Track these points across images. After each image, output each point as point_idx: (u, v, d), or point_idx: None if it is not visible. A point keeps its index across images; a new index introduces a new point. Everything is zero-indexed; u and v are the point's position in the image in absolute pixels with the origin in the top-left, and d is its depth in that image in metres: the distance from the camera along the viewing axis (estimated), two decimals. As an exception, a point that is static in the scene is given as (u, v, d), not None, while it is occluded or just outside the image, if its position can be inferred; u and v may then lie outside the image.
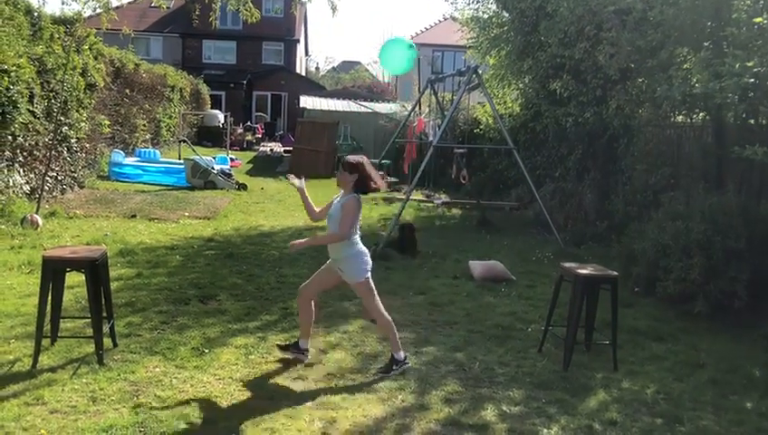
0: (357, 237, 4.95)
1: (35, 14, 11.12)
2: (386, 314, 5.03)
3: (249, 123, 33.21)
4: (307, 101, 24.98)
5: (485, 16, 14.32)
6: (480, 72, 11.22)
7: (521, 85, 13.95)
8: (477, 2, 14.41)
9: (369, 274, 5.02)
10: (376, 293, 5.04)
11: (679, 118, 9.36)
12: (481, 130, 16.32)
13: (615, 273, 5.45)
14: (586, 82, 10.52)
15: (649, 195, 9.12)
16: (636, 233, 8.10)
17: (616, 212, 9.80)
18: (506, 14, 13.52)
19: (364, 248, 5.01)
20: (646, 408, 4.59)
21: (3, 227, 8.52)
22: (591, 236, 10.07)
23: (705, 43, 7.79)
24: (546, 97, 12.00)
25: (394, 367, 4.92)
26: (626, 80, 9.89)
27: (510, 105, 15.02)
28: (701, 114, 8.93)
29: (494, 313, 6.63)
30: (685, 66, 8.60)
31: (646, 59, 8.70)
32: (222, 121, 25.93)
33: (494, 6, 14.13)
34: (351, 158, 4.96)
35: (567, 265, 5.56)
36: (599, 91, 10.23)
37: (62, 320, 5.07)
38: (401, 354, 4.97)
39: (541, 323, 5.95)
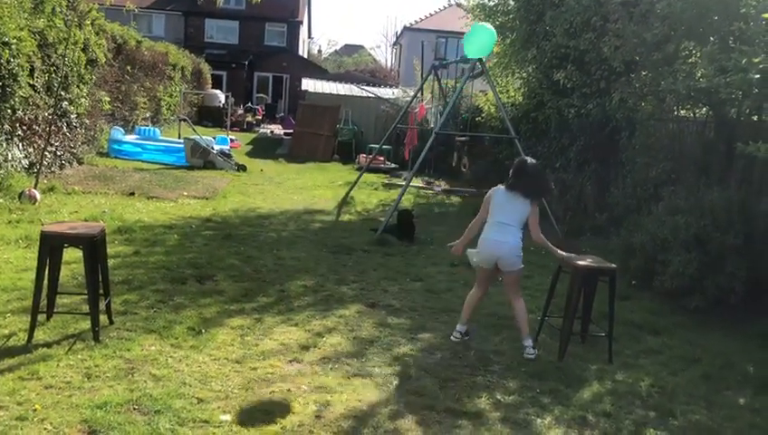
0: (488, 225, 5.38)
1: (37, -14, 11.01)
2: (473, 292, 5.54)
3: (250, 104, 33.07)
4: (309, 84, 24.86)
5: (491, 4, 14.23)
6: (484, 59, 11.16)
7: (524, 74, 13.88)
8: (483, -12, 14.32)
9: (481, 261, 5.42)
10: (481, 283, 5.55)
11: (682, 112, 9.32)
12: (483, 118, 16.27)
13: (614, 265, 5.44)
14: (590, 73, 10.46)
15: (650, 188, 9.09)
16: (635, 226, 8.09)
17: (616, 205, 9.77)
18: (512, 3, 13.44)
19: (487, 235, 5.36)
20: (639, 401, 4.60)
21: (1, 201, 8.49)
22: (590, 228, 10.06)
23: (712, 38, 7.74)
24: (549, 87, 11.94)
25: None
26: (630, 72, 9.83)
27: (513, 94, 14.96)
28: (704, 109, 8.89)
29: (491, 301, 6.61)
30: (690, 60, 8.56)
31: (651, 52, 8.64)
32: (223, 102, 25.83)
33: (500, -6, 14.04)
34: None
35: (566, 255, 5.56)
36: (602, 82, 10.17)
37: (58, 295, 5.06)
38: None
39: (537, 313, 5.95)
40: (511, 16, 13.42)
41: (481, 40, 8.34)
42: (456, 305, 6.38)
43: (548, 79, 11.84)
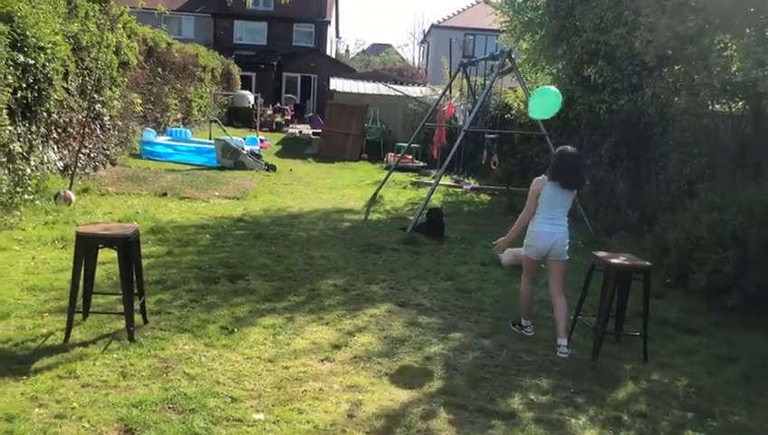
0: (539, 217, 5.42)
1: (71, -9, 11.20)
2: (526, 286, 5.62)
3: (279, 105, 33.27)
4: (337, 84, 24.93)
5: (520, 0, 14.09)
6: (513, 56, 11.08)
7: (554, 71, 13.72)
8: (512, -16, 14.19)
9: (533, 253, 5.49)
10: (530, 274, 5.64)
11: (717, 107, 9.14)
12: (512, 115, 16.14)
13: (648, 263, 5.35)
14: (621, 68, 10.31)
15: (684, 185, 8.93)
16: (669, 223, 7.96)
17: (649, 202, 9.62)
18: (541, -2, 13.29)
19: (539, 228, 5.40)
20: (676, 401, 4.52)
21: (37, 202, 8.65)
22: (623, 226, 9.92)
23: (748, 30, 7.57)
24: (580, 83, 11.79)
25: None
26: (663, 67, 9.68)
27: (542, 91, 14.80)
28: (740, 103, 8.70)
29: (523, 300, 6.57)
30: (725, 53, 8.38)
31: (685, 45, 8.48)
32: (252, 102, 26.01)
33: (529, -10, 13.90)
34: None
35: (599, 254, 5.49)
36: (634, 78, 10.02)
37: (93, 295, 5.14)
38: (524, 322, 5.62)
39: (570, 312, 5.87)
40: (540, 12, 13.28)
41: (547, 101, 8.30)
42: (487, 305, 6.35)
43: (578, 75, 11.70)
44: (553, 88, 8.48)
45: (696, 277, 6.84)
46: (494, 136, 12.59)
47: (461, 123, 15.83)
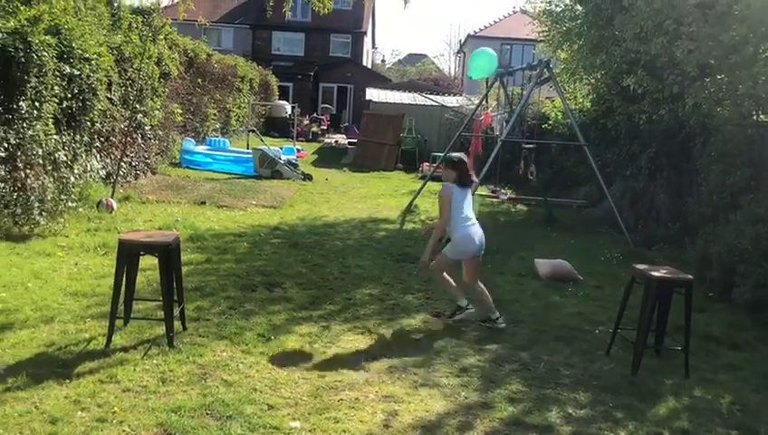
0: (458, 223, 5.77)
1: (115, 3, 11.49)
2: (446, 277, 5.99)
3: (315, 115, 33.56)
4: (373, 94, 25.04)
5: (558, 9, 13.99)
6: (551, 66, 11.00)
7: (592, 80, 13.60)
8: (550, -6, 14.11)
9: (468, 256, 5.89)
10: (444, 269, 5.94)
11: (762, 117, 8.93)
12: (549, 125, 16.02)
13: (690, 276, 5.25)
14: (662, 78, 10.15)
15: (726, 196, 8.72)
16: (711, 235, 7.79)
17: (690, 213, 9.44)
18: (580, 8, 13.18)
19: (464, 232, 5.79)
20: (720, 418, 4.41)
21: (80, 210, 8.85)
22: (663, 238, 9.75)
23: (795, 39, 7.40)
24: (619, 93, 11.66)
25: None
26: (705, 76, 9.50)
27: (581, 101, 14.68)
28: (786, 113, 8.51)
29: (561, 313, 6.50)
30: (771, 63, 8.20)
31: (728, 55, 8.32)
32: (289, 112, 26.30)
33: (567, 0, 13.81)
34: (454, 155, 6.06)
35: (639, 266, 5.40)
36: (675, 87, 9.85)
37: (134, 301, 5.23)
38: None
39: (609, 325, 5.79)
40: (578, 22, 13.17)
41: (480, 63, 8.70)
42: (524, 316, 6.29)
43: (617, 84, 11.56)
44: (488, 50, 8.52)
45: (740, 291, 6.69)
46: (531, 146, 12.50)
47: (497, 133, 15.76)
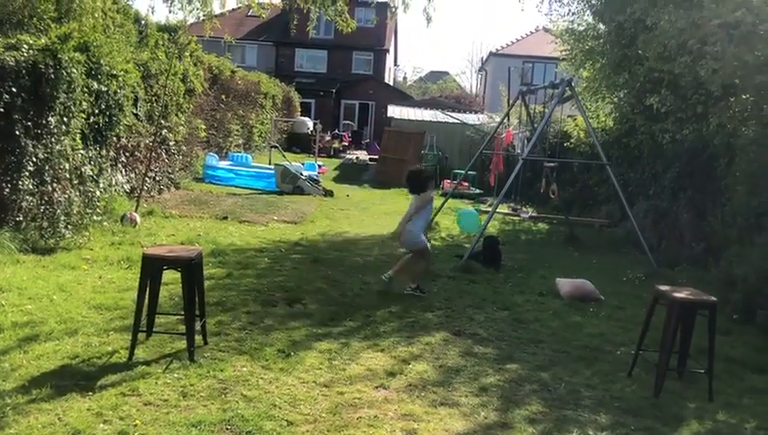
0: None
1: (143, 21, 11.72)
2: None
3: (337, 131, 33.75)
4: (394, 111, 25.14)
5: (580, 28, 14.01)
6: (573, 84, 10.98)
7: (615, 99, 13.57)
8: (573, 14, 14.12)
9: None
10: None
11: (788, 137, 8.83)
12: (571, 143, 15.97)
13: (713, 298, 5.18)
14: (685, 97, 10.10)
15: (751, 218, 8.63)
16: (736, 257, 7.70)
17: (714, 234, 9.33)
18: (602, 27, 13.19)
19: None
20: (744, 443, 4.34)
21: (105, 223, 8.97)
22: (686, 258, 9.64)
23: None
24: (642, 112, 11.62)
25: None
26: (729, 96, 9.43)
27: (603, 119, 14.63)
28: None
29: (582, 333, 6.44)
30: (796, 83, 8.13)
31: (753, 75, 8.26)
32: (311, 129, 26.48)
33: (589, 19, 13.82)
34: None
35: (662, 287, 5.35)
36: (699, 107, 9.80)
37: (156, 315, 5.28)
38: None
39: (631, 346, 5.73)
40: (601, 41, 13.17)
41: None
42: (545, 336, 6.25)
43: (641, 103, 11.53)
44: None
45: (765, 314, 6.58)
46: (553, 164, 12.47)
47: (519, 151, 15.74)
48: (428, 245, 7.69)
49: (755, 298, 6.83)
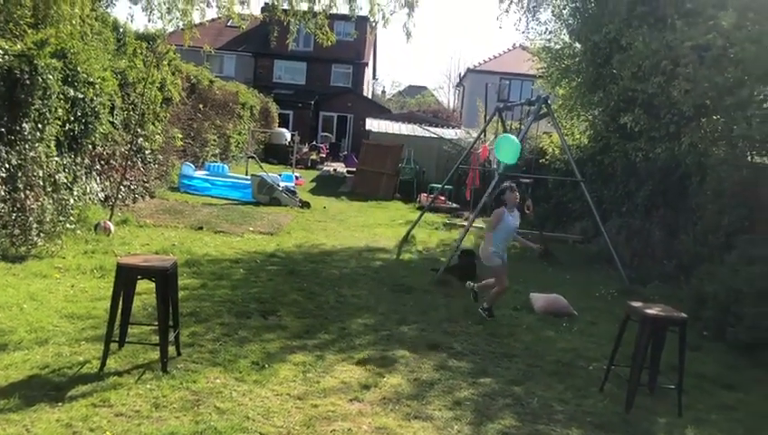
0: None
1: (121, 29, 11.65)
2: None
3: (315, 143, 33.74)
4: (373, 124, 25.24)
5: (557, 47, 14.24)
6: (549, 102, 11.13)
7: (590, 117, 13.76)
8: (549, 33, 14.38)
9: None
10: None
11: (756, 158, 9.04)
12: (546, 160, 16.14)
13: (684, 315, 5.27)
14: (659, 117, 10.30)
15: (721, 236, 8.79)
16: (706, 275, 7.83)
17: (685, 252, 9.49)
18: (578, 46, 13.41)
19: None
20: (712, 459, 4.40)
21: (78, 232, 8.86)
22: (658, 275, 9.77)
23: (789, 83, 7.54)
24: (616, 130, 11.80)
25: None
26: (701, 117, 9.64)
27: (578, 137, 14.82)
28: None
29: (555, 348, 6.50)
30: (765, 105, 8.33)
31: (723, 96, 8.46)
32: (289, 140, 26.44)
33: (566, 38, 14.06)
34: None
35: (634, 304, 5.43)
36: (672, 126, 9.99)
37: (129, 325, 5.23)
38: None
39: (603, 361, 5.79)
40: (577, 60, 13.39)
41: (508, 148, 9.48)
42: (519, 350, 6.30)
43: (615, 122, 11.71)
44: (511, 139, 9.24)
45: (735, 331, 6.71)
46: (528, 180, 12.59)
47: (495, 166, 15.86)
48: (503, 265, 7.39)
49: (725, 316, 6.95)
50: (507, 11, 14.45)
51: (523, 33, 15.21)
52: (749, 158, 9.01)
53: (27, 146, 7.68)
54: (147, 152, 12.51)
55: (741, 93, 8.18)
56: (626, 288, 9.35)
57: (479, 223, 15.09)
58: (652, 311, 5.21)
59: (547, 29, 14.38)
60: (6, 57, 7.30)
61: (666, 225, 10.56)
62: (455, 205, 18.47)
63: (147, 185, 13.00)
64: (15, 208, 7.59)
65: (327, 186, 22.03)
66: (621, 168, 11.87)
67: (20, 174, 7.63)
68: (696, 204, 9.68)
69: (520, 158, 10.24)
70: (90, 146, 9.70)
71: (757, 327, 6.40)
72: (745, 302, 6.64)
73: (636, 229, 10.98)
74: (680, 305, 6.50)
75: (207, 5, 12.62)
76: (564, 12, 13.71)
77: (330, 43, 12.26)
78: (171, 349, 5.00)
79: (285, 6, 12.55)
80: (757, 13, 8.17)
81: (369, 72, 45.14)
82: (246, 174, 18.44)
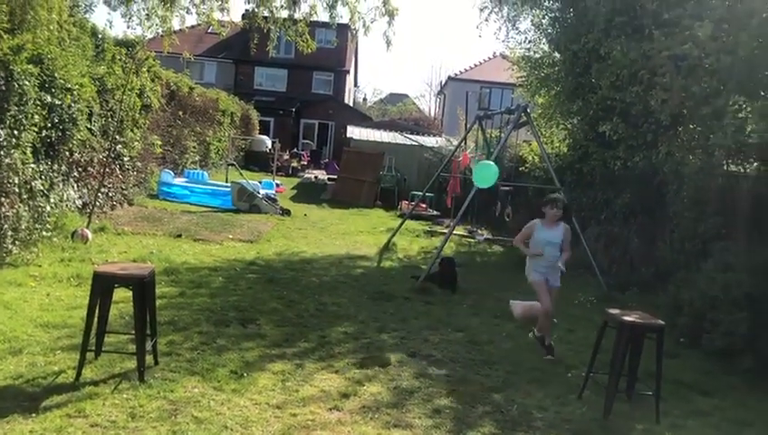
0: None
1: (100, 35, 11.54)
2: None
3: (296, 150, 33.67)
4: (354, 131, 25.25)
5: (537, 56, 14.36)
6: (528, 110, 11.21)
7: (569, 126, 13.88)
8: (529, 42, 14.49)
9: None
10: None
11: (732, 167, 9.16)
12: (526, 168, 16.25)
13: (661, 322, 5.31)
14: (636, 125, 10.41)
15: (698, 244, 8.89)
16: (683, 282, 7.91)
17: (663, 259, 9.58)
18: (558, 55, 13.53)
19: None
20: (689, 465, 4.44)
21: (54, 239, 8.74)
22: (636, 282, 9.86)
23: (763, 93, 7.65)
24: (595, 139, 11.91)
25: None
26: (678, 126, 9.76)
27: (557, 145, 14.94)
28: (755, 164, 8.73)
29: (534, 355, 6.52)
30: (740, 115, 8.44)
31: (700, 106, 8.57)
32: (269, 147, 26.34)
33: (545, 47, 14.18)
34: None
35: (612, 311, 5.47)
36: (649, 135, 10.11)
37: (106, 334, 5.16)
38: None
39: (582, 368, 5.83)
40: (556, 69, 13.51)
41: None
42: (498, 358, 6.31)
43: (593, 130, 11.82)
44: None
45: (710, 338, 6.78)
46: (508, 188, 12.66)
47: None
48: (539, 281, 6.65)
49: (701, 323, 7.02)
50: (487, 20, 14.54)
51: (503, 42, 15.32)
52: (725, 166, 9.12)
53: (2, 152, 7.56)
54: (125, 159, 12.39)
55: (717, 103, 8.29)
56: (604, 295, 9.43)
57: (460, 230, 15.15)
58: (630, 318, 5.25)
59: (527, 38, 14.51)
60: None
61: (644, 232, 10.67)
62: (436, 212, 18.52)
63: (125, 192, 12.88)
64: (-10, 216, 7.48)
65: (308, 193, 21.98)
66: (600, 176, 11.97)
67: (-5, 181, 7.51)
68: (674, 212, 9.79)
69: (499, 167, 10.33)
70: (67, 153, 9.58)
71: (732, 334, 6.47)
72: (721, 309, 6.71)
73: (614, 237, 11.07)
74: (657, 312, 6.54)
75: (187, 12, 12.57)
76: (544, 21, 13.84)
77: (310, 51, 12.26)
78: (149, 358, 4.94)
79: (266, 14, 12.53)
80: (732, 24, 8.29)
81: (350, 79, 45.18)
82: (226, 181, 18.35)
